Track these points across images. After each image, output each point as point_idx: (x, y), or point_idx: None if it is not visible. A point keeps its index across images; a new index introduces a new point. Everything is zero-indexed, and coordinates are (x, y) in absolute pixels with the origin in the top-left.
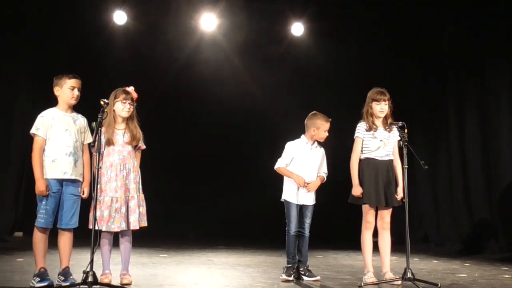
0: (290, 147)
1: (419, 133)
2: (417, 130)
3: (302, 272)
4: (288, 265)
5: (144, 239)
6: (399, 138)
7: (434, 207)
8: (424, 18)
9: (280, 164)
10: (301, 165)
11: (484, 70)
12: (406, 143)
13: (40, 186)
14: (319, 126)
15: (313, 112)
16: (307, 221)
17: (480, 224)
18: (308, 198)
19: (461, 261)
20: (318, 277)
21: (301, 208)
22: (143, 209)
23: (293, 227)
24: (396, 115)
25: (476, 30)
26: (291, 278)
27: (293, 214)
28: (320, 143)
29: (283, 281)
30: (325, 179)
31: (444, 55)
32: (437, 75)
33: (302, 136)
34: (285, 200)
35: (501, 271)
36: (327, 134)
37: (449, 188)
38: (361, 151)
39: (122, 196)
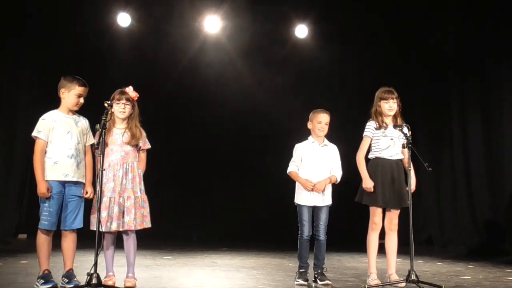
0: (297, 148)
1: (422, 135)
2: (421, 132)
3: (316, 276)
4: (301, 270)
5: (148, 241)
6: (405, 140)
7: (438, 209)
8: (427, 20)
9: (291, 168)
10: (310, 165)
11: (488, 72)
12: (410, 145)
13: (41, 188)
14: (312, 119)
15: None
16: (321, 223)
17: (484, 226)
18: (319, 199)
19: (465, 263)
20: (327, 281)
21: (314, 210)
22: (145, 211)
23: (305, 231)
24: None
25: (480, 32)
26: (306, 283)
27: (305, 218)
28: (329, 141)
29: (298, 285)
30: (338, 179)
31: (447, 58)
32: (440, 78)
33: (309, 136)
34: (297, 203)
35: (505, 273)
36: (323, 126)
37: (452, 190)
38: (371, 150)
39: (117, 196)
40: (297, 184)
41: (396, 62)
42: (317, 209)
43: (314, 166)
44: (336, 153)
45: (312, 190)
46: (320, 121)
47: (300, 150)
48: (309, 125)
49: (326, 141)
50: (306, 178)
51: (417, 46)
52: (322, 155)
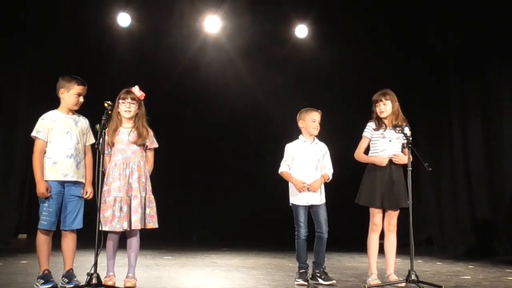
0: (288, 148)
1: (422, 135)
2: (421, 132)
3: (318, 275)
4: (301, 270)
5: (148, 241)
6: (405, 140)
7: (438, 209)
8: (427, 20)
9: (283, 168)
10: (302, 164)
11: (488, 72)
12: (410, 145)
13: (40, 188)
14: (304, 118)
15: None
16: (322, 219)
17: (484, 226)
18: (315, 198)
19: (465, 263)
20: (334, 281)
21: (312, 209)
22: (151, 210)
23: (302, 232)
24: None
25: (480, 32)
26: (306, 283)
27: (302, 219)
28: (320, 140)
29: (298, 285)
30: (330, 177)
31: (447, 58)
32: (440, 78)
33: (300, 135)
34: (292, 204)
35: (505, 273)
36: (316, 125)
37: (452, 190)
38: (369, 150)
39: (124, 195)
40: (290, 185)
41: (396, 62)
42: (315, 207)
43: (306, 165)
44: (326, 151)
45: (308, 190)
46: (314, 119)
47: (292, 149)
48: (301, 124)
49: (316, 140)
50: (298, 177)
51: (417, 46)
52: (314, 154)
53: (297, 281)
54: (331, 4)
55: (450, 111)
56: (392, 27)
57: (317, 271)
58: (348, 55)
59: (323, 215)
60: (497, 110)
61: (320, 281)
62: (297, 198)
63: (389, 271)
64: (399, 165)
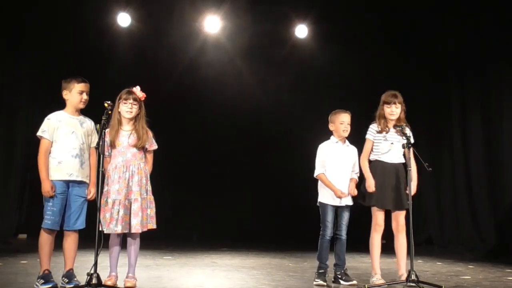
0: (321, 149)
1: (422, 135)
2: (421, 132)
3: (339, 276)
4: (321, 271)
5: (148, 241)
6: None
7: (438, 209)
8: (427, 21)
9: (319, 170)
10: (335, 165)
11: (488, 72)
12: (410, 146)
13: (45, 187)
14: (334, 120)
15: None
16: (344, 222)
17: (484, 226)
18: (348, 197)
19: (465, 263)
20: (354, 281)
21: (339, 210)
22: (151, 211)
23: (328, 232)
24: None
25: (480, 32)
26: (325, 284)
27: (329, 218)
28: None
29: (316, 285)
30: (357, 180)
31: (447, 58)
32: (441, 78)
33: (331, 136)
34: (320, 203)
35: (505, 273)
36: (346, 126)
37: (452, 190)
38: (372, 152)
39: (123, 199)
40: (320, 184)
41: (396, 62)
42: (341, 209)
43: (338, 166)
44: (357, 154)
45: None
46: (343, 121)
47: (324, 150)
48: (331, 127)
49: (347, 142)
50: (332, 179)
51: (417, 46)
52: (346, 155)
53: (316, 281)
54: (331, 4)
55: (450, 111)
56: (392, 27)
57: (338, 273)
58: (348, 55)
59: (345, 219)
60: (497, 110)
61: (342, 282)
62: (328, 197)
63: (401, 271)
64: (400, 168)
